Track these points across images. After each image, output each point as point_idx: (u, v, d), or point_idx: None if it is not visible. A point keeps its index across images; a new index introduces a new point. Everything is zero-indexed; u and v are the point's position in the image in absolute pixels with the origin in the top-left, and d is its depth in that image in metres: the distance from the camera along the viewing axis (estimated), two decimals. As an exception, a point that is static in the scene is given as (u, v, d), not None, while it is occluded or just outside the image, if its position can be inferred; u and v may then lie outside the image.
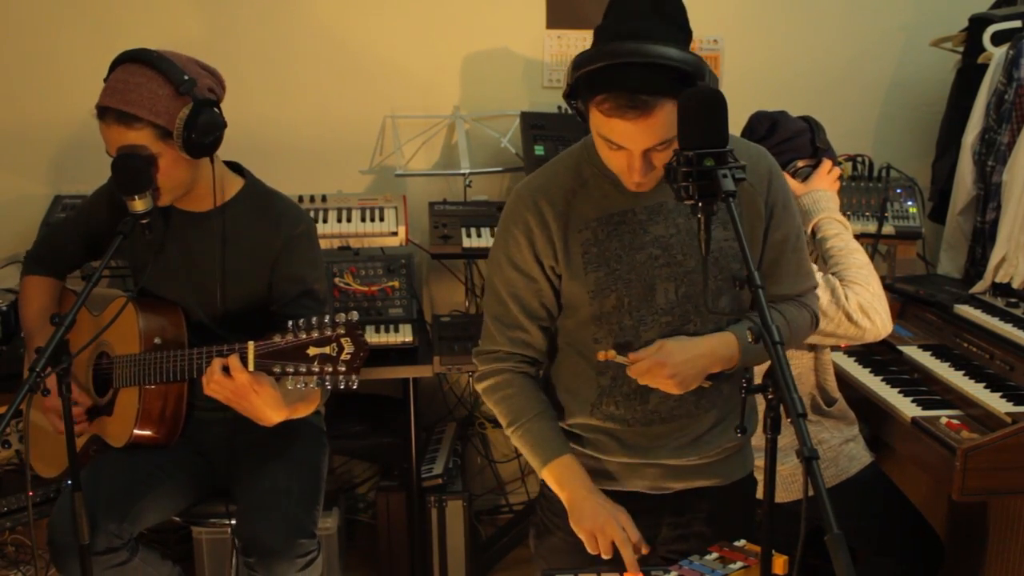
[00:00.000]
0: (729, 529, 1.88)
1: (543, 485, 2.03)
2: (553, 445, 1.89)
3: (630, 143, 1.68)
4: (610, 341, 1.86)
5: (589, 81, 1.67)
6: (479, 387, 1.98)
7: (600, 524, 1.80)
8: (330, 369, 1.93)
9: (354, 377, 1.93)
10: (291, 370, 1.95)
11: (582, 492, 1.84)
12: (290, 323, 1.96)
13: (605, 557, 1.79)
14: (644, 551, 1.80)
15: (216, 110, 2.19)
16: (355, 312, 1.97)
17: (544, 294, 1.90)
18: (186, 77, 2.13)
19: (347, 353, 1.93)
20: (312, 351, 1.94)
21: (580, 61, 1.68)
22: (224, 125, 2.21)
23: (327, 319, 1.94)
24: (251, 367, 1.99)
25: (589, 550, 1.81)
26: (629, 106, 1.63)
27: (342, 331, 1.93)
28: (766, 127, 2.46)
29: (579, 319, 1.89)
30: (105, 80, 2.17)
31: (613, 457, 1.93)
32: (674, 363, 1.77)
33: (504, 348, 1.93)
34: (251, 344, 1.99)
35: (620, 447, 1.92)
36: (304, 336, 1.94)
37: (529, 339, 1.92)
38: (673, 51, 1.62)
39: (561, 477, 1.87)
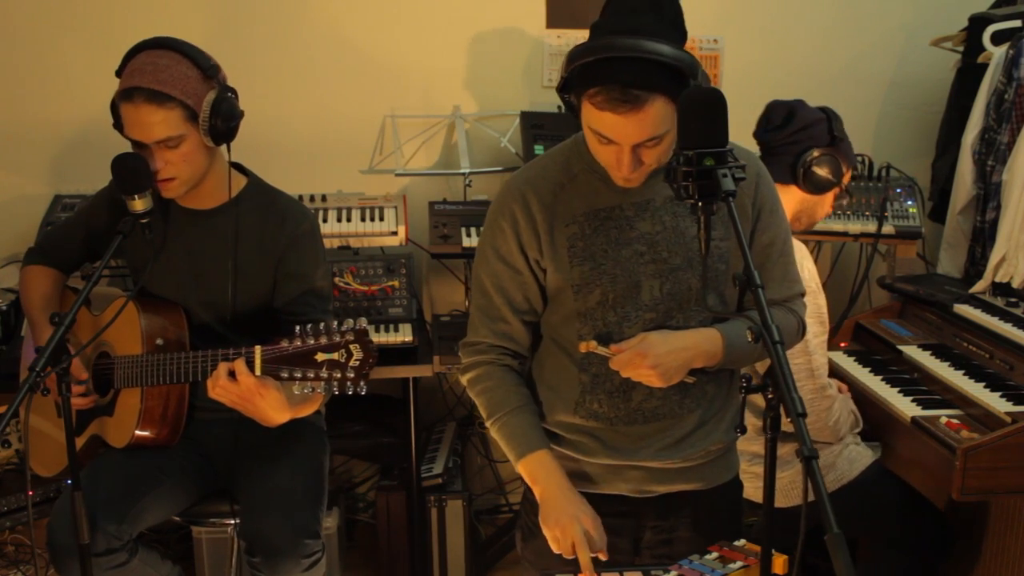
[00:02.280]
0: (714, 533, 1.87)
1: (527, 488, 2.03)
2: (530, 439, 1.88)
3: (620, 137, 1.69)
4: (593, 336, 1.86)
5: (583, 74, 1.68)
6: (463, 379, 1.98)
7: (563, 524, 1.80)
8: (339, 375, 1.93)
9: (363, 383, 1.94)
10: (299, 375, 1.95)
11: (552, 490, 1.84)
12: (297, 328, 1.96)
13: (567, 557, 1.79)
14: (602, 557, 1.80)
15: (235, 97, 2.20)
16: (363, 319, 1.97)
17: (528, 287, 1.90)
18: (212, 62, 2.15)
19: (356, 360, 1.93)
20: (320, 357, 1.94)
21: (575, 54, 1.69)
22: (242, 114, 2.22)
23: (335, 325, 1.94)
24: (258, 372, 1.99)
25: (554, 549, 1.81)
26: (621, 100, 1.63)
27: (351, 337, 1.93)
28: (783, 116, 2.46)
29: (563, 314, 1.89)
30: (118, 72, 2.17)
31: (595, 459, 1.92)
32: (656, 354, 1.77)
33: (487, 340, 1.93)
34: (258, 348, 1.99)
35: (603, 448, 1.91)
36: (312, 342, 1.94)
37: (512, 332, 1.92)
38: (667, 48, 1.63)
39: (535, 473, 1.86)
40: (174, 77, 2.11)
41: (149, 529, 2.43)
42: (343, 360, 1.93)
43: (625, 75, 1.63)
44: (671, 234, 1.84)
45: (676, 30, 1.69)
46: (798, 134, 2.43)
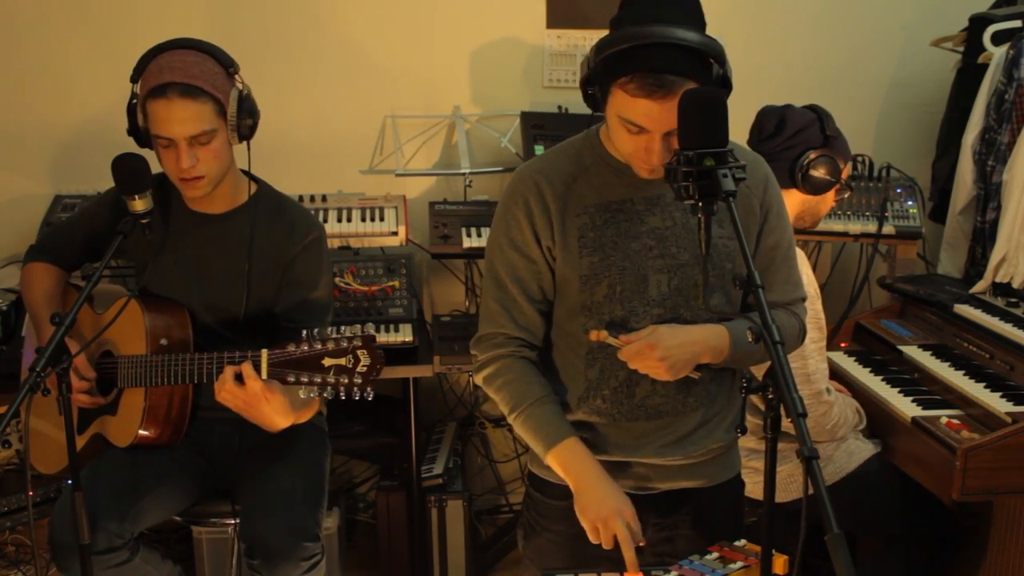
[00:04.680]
0: (716, 531, 1.88)
1: (528, 486, 2.02)
2: (557, 429, 1.87)
3: (653, 124, 1.69)
4: (604, 325, 1.86)
5: (614, 62, 1.68)
6: (478, 377, 1.96)
7: (604, 517, 1.79)
8: (346, 380, 1.94)
9: (369, 389, 1.95)
10: (305, 379, 1.96)
11: (589, 479, 1.83)
12: (304, 332, 1.97)
13: (606, 548, 1.79)
14: (641, 543, 1.80)
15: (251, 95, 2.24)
16: (371, 325, 1.98)
17: (543, 276, 1.90)
18: (232, 60, 2.20)
19: (363, 365, 1.94)
20: (327, 361, 1.95)
21: (604, 44, 1.70)
22: (259, 113, 2.25)
23: (342, 330, 1.96)
24: (264, 375, 2.00)
25: (591, 540, 1.81)
26: (655, 85, 1.65)
27: (358, 343, 1.94)
28: (774, 123, 2.47)
29: (569, 307, 1.89)
30: (135, 76, 2.18)
31: (597, 455, 1.91)
32: (665, 346, 1.77)
33: (504, 331, 1.91)
34: (264, 352, 2.00)
35: (605, 444, 1.92)
36: (319, 346, 1.95)
37: (528, 322, 1.92)
38: (695, 35, 1.66)
39: (567, 462, 1.85)
40: (204, 72, 2.14)
41: (149, 529, 2.43)
42: (350, 365, 1.94)
43: (658, 61, 1.64)
44: (680, 230, 1.85)
45: (697, 20, 1.71)
46: (792, 139, 2.44)
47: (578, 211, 1.85)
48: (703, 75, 1.67)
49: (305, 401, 2.14)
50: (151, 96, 2.13)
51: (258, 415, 2.07)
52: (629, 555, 1.76)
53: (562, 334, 1.94)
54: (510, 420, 1.92)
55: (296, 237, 2.32)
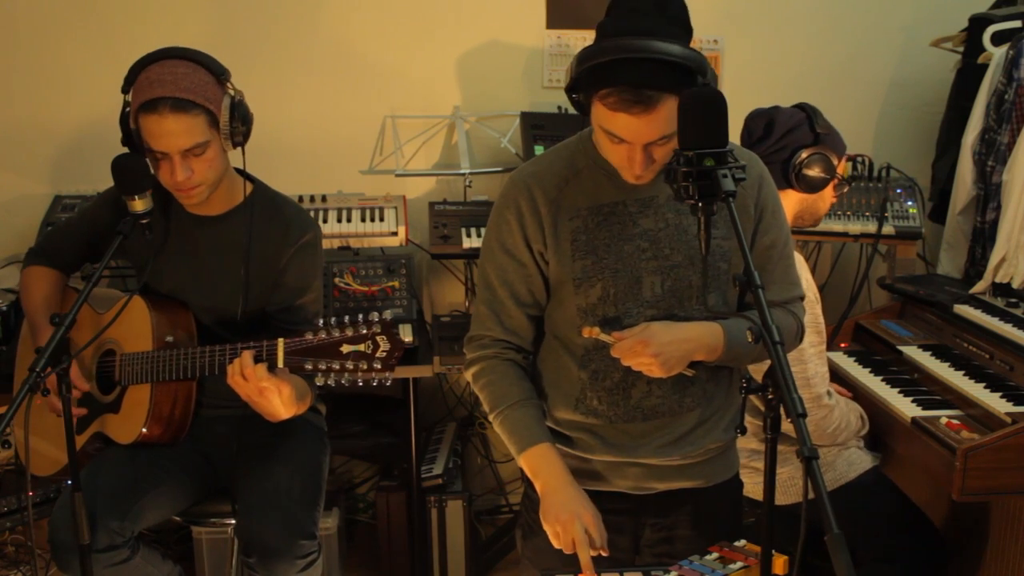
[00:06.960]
0: (714, 532, 1.88)
1: (527, 486, 2.03)
2: (532, 432, 1.88)
3: (633, 137, 1.70)
4: (597, 323, 1.86)
5: (593, 76, 1.68)
6: (467, 374, 1.98)
7: (563, 520, 1.79)
8: (364, 366, 1.95)
9: (388, 375, 1.95)
10: (323, 367, 1.96)
11: (553, 484, 1.84)
12: (321, 321, 1.98)
13: (567, 553, 1.79)
14: (604, 553, 1.79)
15: (244, 100, 2.23)
16: (389, 312, 1.98)
17: (533, 280, 1.90)
18: (222, 67, 2.18)
19: (382, 351, 1.95)
20: (345, 348, 1.95)
21: (584, 56, 1.69)
22: (253, 116, 2.25)
23: (360, 317, 1.96)
24: (280, 364, 2.01)
25: (554, 544, 1.81)
26: (634, 101, 1.64)
27: (378, 329, 1.95)
28: (763, 125, 2.45)
29: (564, 309, 1.90)
30: (126, 87, 2.17)
31: (595, 456, 1.92)
32: (659, 343, 1.77)
33: (491, 334, 1.93)
34: (280, 341, 2.01)
35: (602, 445, 1.92)
36: (337, 334, 1.96)
37: (516, 326, 1.93)
38: (676, 48, 1.64)
39: (536, 466, 1.86)
40: (195, 84, 2.12)
41: (149, 529, 2.43)
42: (369, 351, 1.94)
43: (636, 76, 1.64)
44: (673, 231, 1.85)
45: (682, 28, 1.70)
46: (782, 140, 2.43)
47: (571, 214, 1.86)
48: (684, 87, 1.65)
49: (303, 391, 2.15)
50: (143, 110, 2.12)
51: (266, 404, 2.09)
52: (583, 557, 1.76)
53: (556, 336, 1.94)
54: (490, 419, 1.94)
55: (290, 239, 2.32)
